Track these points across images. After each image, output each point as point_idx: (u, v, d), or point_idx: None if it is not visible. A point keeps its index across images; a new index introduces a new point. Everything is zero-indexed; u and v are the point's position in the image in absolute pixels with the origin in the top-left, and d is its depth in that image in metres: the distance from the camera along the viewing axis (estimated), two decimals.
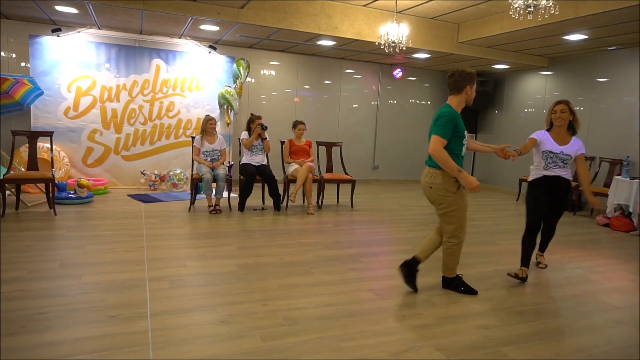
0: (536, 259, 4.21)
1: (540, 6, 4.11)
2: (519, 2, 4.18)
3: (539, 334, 2.76)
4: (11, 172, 5.25)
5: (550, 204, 3.86)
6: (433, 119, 3.17)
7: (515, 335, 2.72)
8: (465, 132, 3.22)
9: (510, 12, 4.29)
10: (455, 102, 3.20)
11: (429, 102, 10.07)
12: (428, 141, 3.15)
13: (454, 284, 3.38)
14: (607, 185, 6.67)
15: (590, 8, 5.10)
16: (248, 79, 8.04)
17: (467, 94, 3.19)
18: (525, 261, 3.75)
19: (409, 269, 3.34)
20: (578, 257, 4.57)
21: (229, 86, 7.49)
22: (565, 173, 3.81)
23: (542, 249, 4.22)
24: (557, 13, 4.40)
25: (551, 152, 3.78)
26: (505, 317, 2.98)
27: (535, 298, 3.37)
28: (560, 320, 2.99)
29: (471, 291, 3.35)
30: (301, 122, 6.43)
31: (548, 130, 3.89)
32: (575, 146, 3.80)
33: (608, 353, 2.56)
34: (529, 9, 4.14)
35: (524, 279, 3.67)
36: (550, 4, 4.08)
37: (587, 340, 2.72)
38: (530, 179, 3.94)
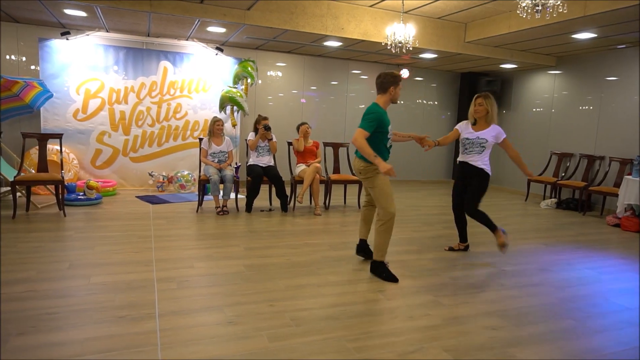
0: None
1: (548, 5, 4.07)
2: (527, 1, 4.15)
3: (547, 334, 2.74)
4: (22, 174, 5.32)
5: (462, 189, 4.30)
6: (364, 114, 3.51)
7: (523, 336, 2.70)
8: (390, 126, 3.60)
9: (518, 11, 4.26)
10: (382, 101, 3.61)
11: (435, 102, 10.04)
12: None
13: (379, 270, 3.54)
14: (617, 185, 6.61)
15: (599, 6, 5.05)
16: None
17: (392, 94, 3.60)
18: (461, 237, 4.50)
19: (364, 251, 3.96)
20: (588, 258, 4.53)
21: (235, 87, 7.47)
22: (477, 160, 4.11)
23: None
24: (565, 11, 4.38)
25: (467, 138, 4.17)
26: (513, 317, 2.96)
27: (543, 298, 3.34)
28: (569, 321, 2.96)
29: (392, 278, 3.48)
30: (303, 123, 6.43)
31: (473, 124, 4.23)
32: (493, 132, 4.10)
33: (619, 354, 2.53)
34: (537, 7, 4.10)
35: (454, 250, 4.47)
36: (559, 2, 4.05)
37: (597, 341, 2.69)
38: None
